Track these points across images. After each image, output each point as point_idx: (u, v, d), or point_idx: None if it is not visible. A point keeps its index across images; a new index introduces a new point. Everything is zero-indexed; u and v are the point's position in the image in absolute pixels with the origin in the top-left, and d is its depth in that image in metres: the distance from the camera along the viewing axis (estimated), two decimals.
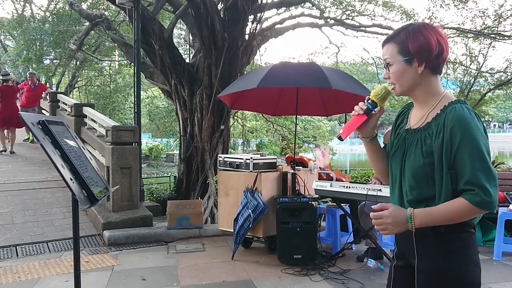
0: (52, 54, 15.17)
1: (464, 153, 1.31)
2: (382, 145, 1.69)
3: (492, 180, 1.30)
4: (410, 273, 1.46)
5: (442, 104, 1.42)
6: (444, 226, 1.37)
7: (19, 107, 9.56)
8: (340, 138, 1.53)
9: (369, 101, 1.49)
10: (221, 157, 4.80)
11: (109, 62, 19.29)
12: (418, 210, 1.36)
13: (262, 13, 8.93)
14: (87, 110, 7.52)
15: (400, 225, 1.35)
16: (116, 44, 12.06)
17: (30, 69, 12.87)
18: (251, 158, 4.41)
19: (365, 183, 4.39)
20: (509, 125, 65.39)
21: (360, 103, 1.50)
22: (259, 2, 8.56)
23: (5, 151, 8.49)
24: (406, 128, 1.52)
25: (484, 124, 1.39)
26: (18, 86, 10.62)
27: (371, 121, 1.53)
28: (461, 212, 1.31)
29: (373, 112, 1.50)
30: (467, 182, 1.30)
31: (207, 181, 8.15)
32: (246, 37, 8.79)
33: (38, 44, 13.85)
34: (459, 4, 11.39)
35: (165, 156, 24.80)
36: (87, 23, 12.09)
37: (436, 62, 1.41)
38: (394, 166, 1.51)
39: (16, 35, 16.34)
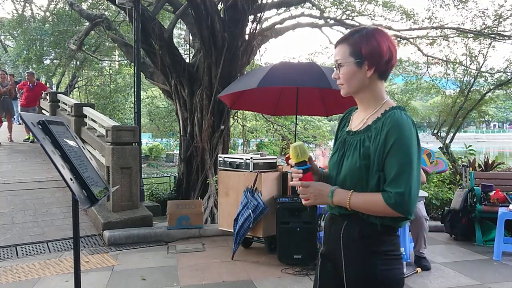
0: (52, 54, 15.16)
1: (393, 156, 1.35)
2: None
3: (408, 185, 1.33)
4: (336, 271, 1.52)
5: (383, 109, 1.46)
6: (370, 229, 1.42)
7: (19, 107, 9.57)
8: None
9: (297, 165, 1.52)
10: (221, 157, 4.80)
11: (109, 62, 19.28)
12: (341, 189, 1.44)
13: (262, 13, 8.93)
14: (87, 110, 7.52)
15: (321, 197, 1.46)
16: (116, 44, 12.05)
17: (30, 69, 12.87)
18: (251, 158, 4.41)
19: None
20: (509, 125, 65.38)
21: (293, 171, 1.54)
22: (259, 2, 8.55)
23: None
24: (347, 130, 1.56)
25: (418, 132, 1.43)
26: (18, 86, 10.65)
27: (313, 171, 1.57)
28: (377, 207, 1.37)
29: (308, 167, 1.52)
30: (388, 184, 1.35)
31: (207, 181, 8.15)
32: (246, 37, 8.78)
33: (38, 44, 13.84)
34: (459, 4, 11.38)
35: (165, 156, 24.83)
36: (87, 23, 12.09)
37: (384, 67, 1.45)
38: (332, 166, 1.56)
39: (16, 35, 16.33)
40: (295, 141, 6.07)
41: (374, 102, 1.49)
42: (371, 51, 1.42)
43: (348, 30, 1.56)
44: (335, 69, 1.52)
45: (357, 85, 1.47)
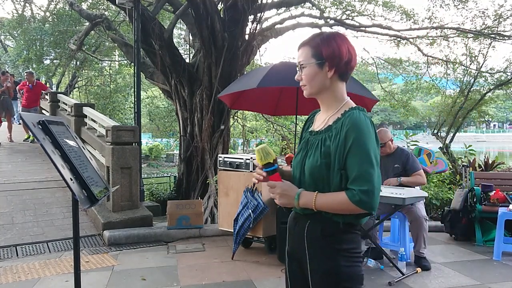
0: (52, 54, 15.16)
1: (354, 155, 1.41)
2: None
3: (371, 182, 1.39)
4: (301, 270, 1.57)
5: (344, 109, 1.52)
6: (333, 228, 1.48)
7: (20, 108, 9.57)
8: None
9: (264, 167, 1.54)
10: (221, 157, 4.80)
11: (109, 62, 19.28)
12: (306, 192, 1.49)
13: (262, 13, 8.93)
14: (87, 110, 7.52)
15: (287, 198, 1.50)
16: (116, 44, 12.05)
17: (30, 69, 12.87)
18: (251, 158, 4.41)
19: None
20: (509, 125, 65.40)
21: (258, 172, 1.57)
22: (259, 2, 8.55)
23: None
24: (309, 130, 1.62)
25: (376, 130, 1.50)
26: (18, 87, 10.65)
27: (280, 172, 1.60)
28: (342, 205, 1.42)
29: (275, 168, 1.54)
30: (351, 182, 1.41)
31: (207, 181, 8.15)
32: (246, 37, 8.78)
33: (38, 44, 13.84)
34: (459, 4, 11.39)
35: (165, 156, 24.82)
36: (87, 23, 12.09)
37: (344, 68, 1.52)
38: (295, 166, 1.61)
39: (16, 35, 16.33)
40: (295, 141, 6.07)
41: (335, 102, 1.55)
42: (331, 53, 1.49)
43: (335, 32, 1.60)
44: (297, 70, 1.58)
45: (318, 85, 1.53)
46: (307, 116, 1.76)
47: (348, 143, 1.41)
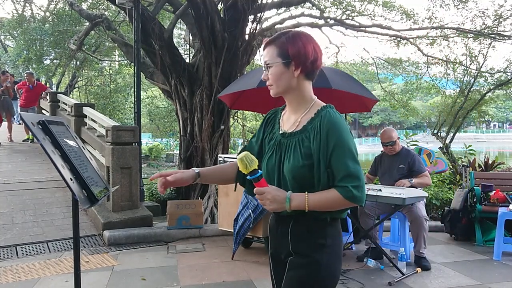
0: (52, 54, 15.15)
1: (338, 153, 1.42)
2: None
3: (360, 178, 1.42)
4: (284, 271, 1.57)
5: (315, 109, 1.52)
6: (319, 223, 1.49)
7: (19, 107, 9.57)
8: None
9: (249, 175, 1.46)
10: (221, 157, 4.80)
11: (109, 62, 19.27)
12: (296, 193, 1.46)
13: (262, 13, 8.92)
14: (87, 110, 7.52)
15: (277, 203, 1.45)
16: (116, 44, 12.04)
17: (30, 69, 12.86)
18: None
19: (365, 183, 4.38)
20: (509, 125, 65.43)
21: (160, 181, 1.56)
22: (259, 2, 8.55)
23: None
24: (280, 132, 1.58)
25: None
26: (16, 86, 10.66)
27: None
28: (334, 202, 1.43)
29: (260, 174, 1.47)
30: (341, 179, 1.42)
31: None
32: (246, 37, 8.78)
33: (38, 44, 13.83)
34: (459, 4, 11.38)
35: (165, 156, 24.80)
36: (87, 23, 12.08)
37: (311, 67, 1.51)
38: (270, 169, 1.57)
39: (16, 35, 16.32)
40: None
41: (304, 102, 1.55)
42: (297, 52, 1.48)
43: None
44: (264, 70, 1.56)
45: (285, 85, 1.53)
46: None
47: (331, 143, 1.42)
